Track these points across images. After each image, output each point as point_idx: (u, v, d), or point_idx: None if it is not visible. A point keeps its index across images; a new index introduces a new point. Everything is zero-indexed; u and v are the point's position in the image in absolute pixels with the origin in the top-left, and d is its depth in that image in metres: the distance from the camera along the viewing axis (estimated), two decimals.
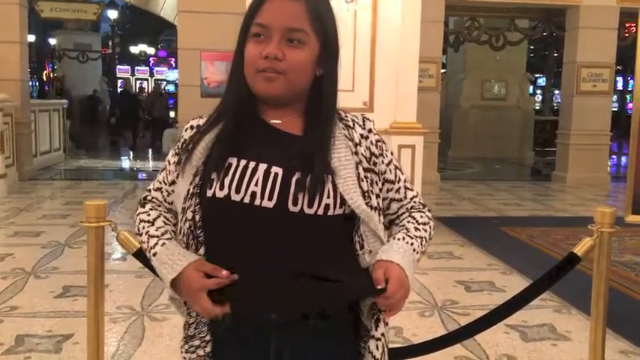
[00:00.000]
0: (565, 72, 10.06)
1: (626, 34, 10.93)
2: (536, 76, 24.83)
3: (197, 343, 1.21)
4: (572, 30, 9.62)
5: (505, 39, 11.39)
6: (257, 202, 1.13)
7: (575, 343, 3.18)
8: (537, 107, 21.61)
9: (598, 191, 8.89)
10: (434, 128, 9.02)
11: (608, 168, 10.46)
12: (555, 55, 21.36)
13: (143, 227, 1.25)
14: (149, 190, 1.32)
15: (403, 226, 1.28)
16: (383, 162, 1.26)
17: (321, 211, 1.13)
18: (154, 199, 1.30)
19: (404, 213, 1.30)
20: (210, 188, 1.14)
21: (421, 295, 3.91)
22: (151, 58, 27.18)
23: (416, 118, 5.73)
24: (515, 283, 4.12)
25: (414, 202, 1.31)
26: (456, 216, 6.77)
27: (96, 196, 7.53)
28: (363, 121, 1.26)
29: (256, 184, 1.13)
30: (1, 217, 6.10)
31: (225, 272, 1.12)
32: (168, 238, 1.22)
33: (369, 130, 1.25)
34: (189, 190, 1.17)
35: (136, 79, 24.08)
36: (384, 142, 1.28)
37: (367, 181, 1.20)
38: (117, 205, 6.85)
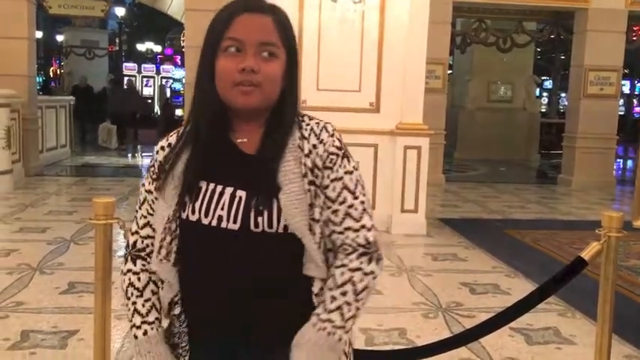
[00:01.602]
0: (572, 75, 10.03)
1: (634, 38, 10.91)
2: (543, 78, 24.80)
3: (180, 351, 1.28)
4: (580, 33, 9.60)
5: (512, 41, 11.37)
6: (223, 224, 1.19)
7: (580, 347, 3.17)
8: (543, 110, 21.55)
9: (604, 195, 8.87)
10: (440, 130, 9.01)
11: (614, 172, 10.41)
12: (562, 57, 21.30)
13: (131, 293, 1.29)
14: (135, 233, 1.30)
15: (322, 294, 1.19)
16: (329, 176, 1.20)
17: (281, 229, 1.18)
18: (145, 248, 1.29)
19: (335, 255, 1.21)
20: (184, 211, 1.21)
21: (425, 297, 3.91)
22: (158, 57, 27.24)
23: (422, 120, 5.73)
24: (520, 286, 4.11)
25: (347, 236, 1.19)
26: (461, 218, 6.76)
27: (102, 192, 7.55)
28: (320, 131, 1.23)
29: (222, 208, 1.19)
30: (7, 212, 6.13)
31: None
32: (151, 323, 1.27)
33: (321, 141, 1.21)
34: (170, 213, 1.22)
35: (143, 77, 24.11)
36: (342, 157, 1.21)
37: (311, 194, 1.19)
38: (122, 202, 6.87)
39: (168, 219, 1.21)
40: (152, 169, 1.28)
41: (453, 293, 4.02)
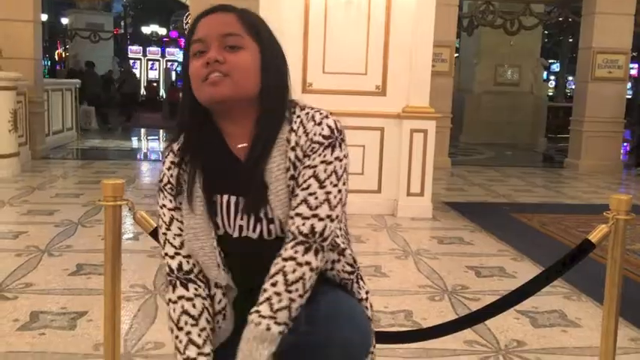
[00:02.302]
0: (580, 58, 9.95)
1: None
2: (550, 61, 24.60)
3: None
4: (588, 15, 9.50)
5: (520, 23, 11.27)
6: (244, 234, 1.22)
7: (586, 330, 3.18)
8: (551, 93, 21.41)
9: (611, 179, 8.84)
10: (446, 113, 8.99)
11: (622, 156, 10.36)
12: (570, 40, 21.11)
13: (185, 322, 1.21)
14: (176, 255, 1.24)
15: (265, 291, 1.15)
16: (304, 163, 1.19)
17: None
18: (193, 269, 1.24)
19: (286, 242, 1.18)
20: (218, 228, 1.25)
21: (431, 280, 3.92)
22: (164, 40, 27.15)
23: (429, 103, 5.71)
24: (526, 269, 4.12)
25: (295, 221, 1.16)
26: (467, 201, 6.76)
27: (108, 175, 7.58)
28: (308, 121, 1.21)
29: (242, 218, 1.22)
30: (14, 195, 6.16)
31: None
32: (207, 355, 1.20)
33: (305, 132, 1.19)
34: (210, 224, 1.23)
35: (148, 60, 24.05)
36: (326, 147, 1.18)
37: (289, 189, 1.20)
38: (129, 185, 6.90)
39: (214, 230, 1.23)
40: (168, 186, 1.26)
41: (458, 276, 4.03)
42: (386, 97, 5.62)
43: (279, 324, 1.12)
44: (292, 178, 1.18)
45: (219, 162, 1.23)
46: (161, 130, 14.34)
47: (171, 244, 1.26)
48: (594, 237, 1.97)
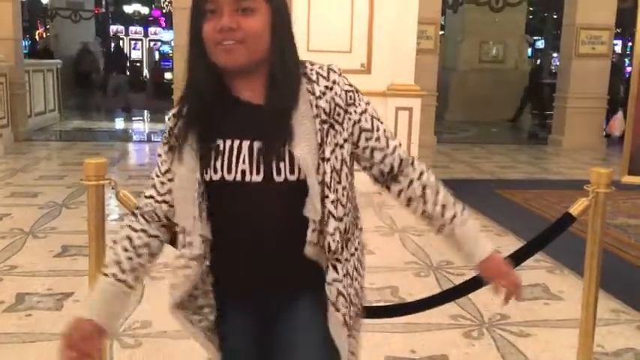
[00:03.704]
0: (564, 34, 9.97)
1: None
2: (535, 38, 24.61)
3: (207, 310, 1.31)
4: None
5: (505, 0, 11.25)
6: (247, 178, 1.21)
7: (568, 303, 3.24)
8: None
9: (594, 154, 8.93)
10: (431, 91, 8.98)
11: (605, 131, 10.44)
12: (555, 17, 21.12)
13: (113, 242, 1.31)
14: (150, 197, 1.31)
15: (435, 203, 1.32)
16: (355, 111, 1.28)
17: (303, 176, 1.20)
18: (146, 204, 1.31)
19: (396, 176, 1.32)
20: (206, 173, 1.22)
21: (417, 256, 3.96)
22: (149, 19, 26.76)
23: (414, 81, 5.71)
24: (510, 245, 4.15)
25: (399, 153, 1.32)
26: (452, 179, 6.79)
27: (92, 156, 7.50)
28: (328, 73, 1.28)
29: (244, 162, 1.21)
30: None
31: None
32: (120, 278, 1.27)
33: (334, 82, 1.27)
34: (198, 177, 1.23)
35: (130, 40, 23.72)
36: (356, 92, 1.30)
37: (322, 133, 1.22)
38: (112, 166, 6.85)
39: (198, 182, 1.22)
40: (164, 134, 1.29)
41: (444, 252, 4.06)
42: (371, 75, 5.61)
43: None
44: (324, 122, 1.23)
45: (225, 107, 1.24)
46: (145, 111, 14.22)
47: (155, 188, 1.30)
48: (575, 210, 2.00)
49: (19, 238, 4.06)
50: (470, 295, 2.85)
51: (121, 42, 17.31)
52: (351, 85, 1.30)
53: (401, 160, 1.32)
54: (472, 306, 3.09)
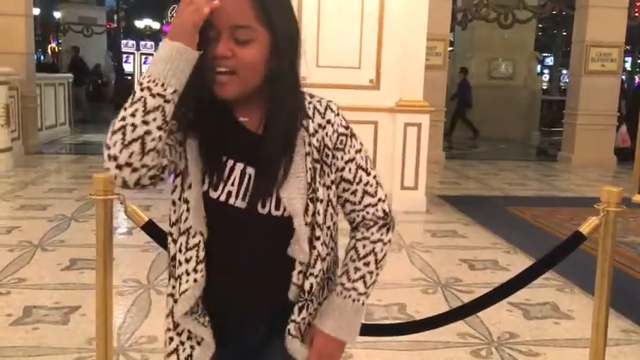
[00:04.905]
0: (574, 51, 9.97)
1: (636, 14, 10.81)
2: (544, 55, 24.65)
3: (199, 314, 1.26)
4: (582, 8, 9.51)
5: (514, 17, 11.26)
6: (231, 201, 1.18)
7: (578, 322, 3.20)
8: (544, 87, 21.45)
9: (604, 172, 8.88)
10: (440, 107, 8.99)
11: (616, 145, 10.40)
12: (564, 33, 21.14)
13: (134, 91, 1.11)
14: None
15: (345, 265, 1.27)
16: (342, 158, 1.23)
17: (287, 213, 1.18)
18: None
19: (354, 229, 1.29)
20: (202, 184, 1.19)
21: (425, 273, 3.94)
22: (160, 34, 26.99)
23: (422, 97, 5.71)
24: (519, 262, 4.14)
25: (367, 211, 1.26)
26: (461, 195, 6.77)
27: (101, 170, 7.54)
28: (325, 110, 1.23)
29: (232, 184, 1.19)
30: (7, 190, 6.14)
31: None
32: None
33: (328, 121, 1.22)
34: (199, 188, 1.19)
35: (141, 54, 23.90)
36: (350, 137, 1.24)
37: (312, 172, 1.19)
38: None
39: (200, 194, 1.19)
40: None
41: (452, 269, 4.05)
42: (379, 91, 5.62)
43: (367, 298, 1.28)
44: (316, 161, 1.20)
45: (226, 127, 1.21)
46: None
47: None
48: (585, 229, 1.98)
49: (27, 251, 4.07)
50: (479, 314, 2.83)
51: (80, 53, 17.06)
52: (347, 128, 1.24)
53: (363, 219, 1.27)
54: (481, 324, 3.06)
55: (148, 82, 1.06)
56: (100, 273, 1.88)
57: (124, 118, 1.06)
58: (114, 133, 1.06)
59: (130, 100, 1.07)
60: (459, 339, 2.91)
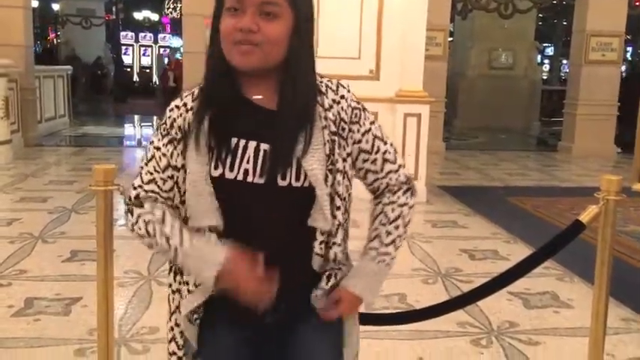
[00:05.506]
0: (574, 41, 9.93)
1: (637, 3, 10.76)
2: (545, 45, 24.56)
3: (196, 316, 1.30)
4: None
5: (514, 7, 11.20)
6: (249, 178, 1.20)
7: (577, 311, 3.21)
8: (545, 77, 21.39)
9: (604, 162, 8.87)
10: (440, 97, 8.97)
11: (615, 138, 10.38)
12: (564, 23, 21.06)
13: (153, 228, 1.23)
14: (139, 187, 1.25)
15: (376, 229, 1.33)
16: (358, 130, 1.28)
17: (307, 184, 1.20)
18: (149, 195, 1.24)
19: (379, 195, 1.34)
20: (216, 168, 1.20)
21: (425, 263, 3.95)
22: (159, 26, 26.91)
23: (422, 87, 5.70)
24: (519, 252, 4.13)
25: (390, 178, 1.32)
26: (461, 185, 6.77)
27: (102, 162, 7.55)
28: (337, 87, 1.28)
29: (248, 162, 1.20)
30: (7, 182, 6.14)
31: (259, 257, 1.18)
32: (188, 231, 1.22)
33: (342, 97, 1.26)
34: (207, 169, 1.20)
35: (140, 46, 23.82)
36: (363, 110, 1.29)
37: (331, 144, 1.22)
38: (121, 171, 6.87)
39: (211, 176, 1.20)
40: (164, 126, 1.25)
41: (452, 259, 4.05)
42: (379, 82, 5.60)
43: (393, 259, 1.35)
44: (334, 134, 1.24)
45: (235, 107, 1.22)
46: (155, 117, 14.26)
47: (141, 177, 1.25)
48: (585, 218, 1.98)
49: (28, 243, 4.08)
50: (479, 303, 2.84)
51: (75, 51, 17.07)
52: (358, 103, 1.30)
53: (387, 185, 1.33)
54: (480, 313, 3.06)
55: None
56: (100, 264, 1.88)
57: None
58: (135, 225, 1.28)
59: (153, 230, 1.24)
60: (458, 328, 2.92)
